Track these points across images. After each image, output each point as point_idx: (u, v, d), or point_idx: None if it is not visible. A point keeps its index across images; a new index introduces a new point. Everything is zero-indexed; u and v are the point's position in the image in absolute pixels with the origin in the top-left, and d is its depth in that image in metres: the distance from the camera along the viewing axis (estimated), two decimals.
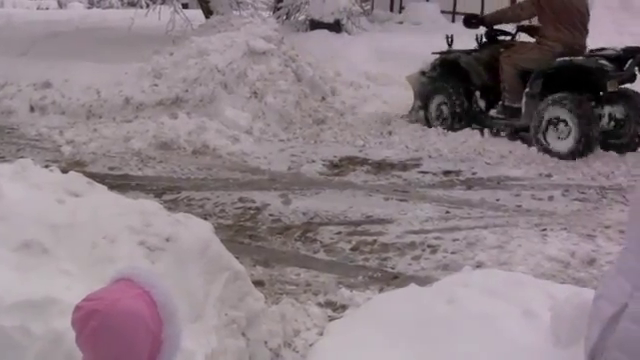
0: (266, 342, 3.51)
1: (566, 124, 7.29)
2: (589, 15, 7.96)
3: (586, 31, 7.90)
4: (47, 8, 28.94)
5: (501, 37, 8.73)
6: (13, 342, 2.55)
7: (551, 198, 6.36)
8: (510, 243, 5.20)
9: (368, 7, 16.55)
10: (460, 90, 8.46)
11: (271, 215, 5.97)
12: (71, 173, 3.68)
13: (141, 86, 8.93)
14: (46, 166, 4.29)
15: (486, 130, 8.22)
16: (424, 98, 8.82)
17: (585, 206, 6.17)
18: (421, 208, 6.11)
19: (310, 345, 3.68)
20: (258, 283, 4.34)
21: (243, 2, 14.06)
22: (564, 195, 6.44)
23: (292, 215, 5.97)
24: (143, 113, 8.62)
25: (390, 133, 8.55)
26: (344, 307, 4.29)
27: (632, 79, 7.46)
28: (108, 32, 14.69)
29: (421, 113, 8.90)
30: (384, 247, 5.31)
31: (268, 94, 9.09)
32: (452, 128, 8.39)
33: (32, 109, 9.18)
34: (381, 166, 7.42)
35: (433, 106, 8.69)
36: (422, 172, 7.21)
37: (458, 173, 7.15)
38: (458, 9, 15.86)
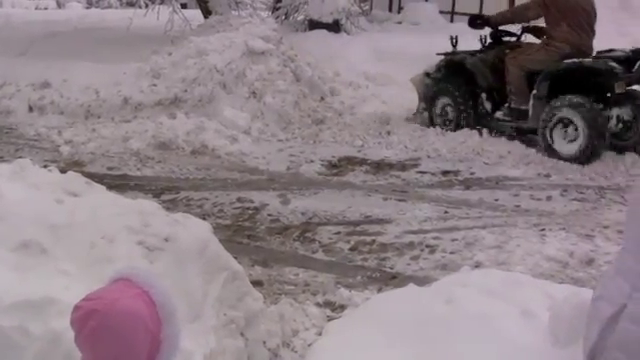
0: (265, 342, 3.51)
1: (575, 127, 7.18)
2: (596, 16, 7.86)
3: (593, 32, 7.80)
4: (46, 8, 28.95)
5: (506, 38, 8.63)
6: (12, 342, 2.55)
7: (550, 198, 6.36)
8: (509, 243, 5.21)
9: (367, 7, 16.56)
10: (465, 92, 8.38)
11: (270, 215, 5.97)
12: (70, 173, 3.68)
13: (140, 86, 8.93)
14: (45, 166, 4.29)
15: (485, 130, 8.18)
16: (429, 100, 8.75)
17: (584, 206, 6.17)
18: (420, 208, 6.12)
19: (309, 345, 3.69)
20: (257, 283, 4.34)
21: (242, 2, 14.08)
22: (563, 195, 6.44)
23: (291, 215, 5.97)
24: (142, 113, 8.62)
25: (389, 133, 8.55)
26: (343, 307, 4.29)
27: None
28: (107, 32, 14.69)
29: (425, 115, 8.83)
30: (383, 247, 5.31)
31: (267, 94, 9.09)
32: (458, 130, 8.34)
33: (31, 109, 9.18)
34: (380, 166, 7.42)
35: (437, 108, 8.61)
36: (421, 172, 7.21)
37: (457, 173, 7.15)
38: (457, 9, 15.86)
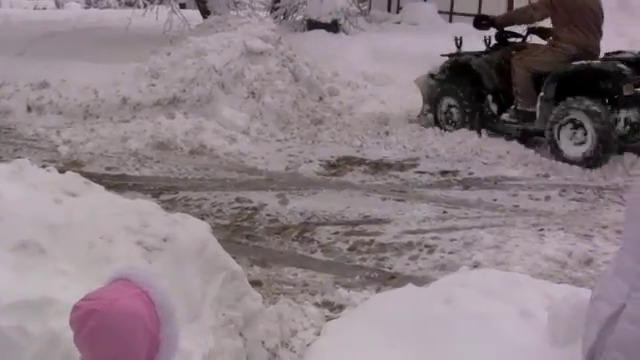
0: (263, 342, 3.51)
1: (585, 132, 7.09)
2: (603, 17, 7.76)
3: (600, 33, 7.71)
4: (44, 8, 28.90)
5: (511, 39, 8.52)
6: (10, 342, 2.55)
7: (548, 198, 6.36)
8: (507, 243, 5.21)
9: (366, 7, 16.55)
10: (471, 93, 8.28)
11: (268, 215, 5.97)
12: (68, 173, 3.68)
13: (138, 86, 8.93)
14: (43, 166, 4.29)
15: (483, 130, 8.15)
16: (433, 101, 8.64)
17: (582, 206, 6.17)
18: (418, 208, 6.12)
19: (307, 345, 3.69)
20: (255, 283, 4.34)
21: (240, 2, 14.08)
22: (561, 195, 6.45)
23: (289, 215, 5.97)
24: (140, 113, 8.62)
25: (387, 133, 8.54)
26: (341, 307, 4.29)
27: None
28: (105, 32, 14.68)
29: (430, 116, 8.74)
30: (381, 247, 5.31)
31: (265, 94, 9.09)
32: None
33: (29, 109, 9.17)
34: (378, 166, 7.42)
35: (442, 108, 8.51)
36: (419, 172, 7.21)
37: (455, 173, 7.15)
38: (455, 9, 15.85)
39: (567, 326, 2.68)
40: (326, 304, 4.36)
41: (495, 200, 6.34)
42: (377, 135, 8.51)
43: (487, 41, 8.52)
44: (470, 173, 7.14)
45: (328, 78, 10.26)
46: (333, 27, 13.67)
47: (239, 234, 5.55)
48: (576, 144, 7.18)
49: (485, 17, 8.81)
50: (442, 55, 8.74)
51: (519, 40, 8.53)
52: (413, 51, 11.05)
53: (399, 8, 16.52)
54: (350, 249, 5.28)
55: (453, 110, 8.43)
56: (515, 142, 7.79)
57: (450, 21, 15.52)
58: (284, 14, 15.06)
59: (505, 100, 8.14)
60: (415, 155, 7.79)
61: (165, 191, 6.57)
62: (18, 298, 2.64)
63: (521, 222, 5.71)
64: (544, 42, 8.14)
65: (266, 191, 6.59)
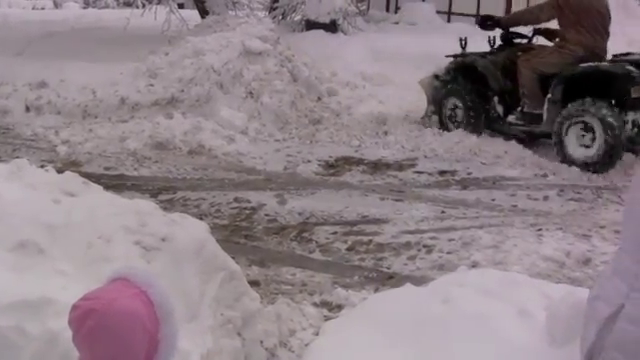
0: (262, 342, 3.51)
1: (593, 136, 7.03)
2: (610, 18, 7.69)
3: (607, 34, 7.64)
4: (43, 8, 28.88)
5: (517, 40, 8.43)
6: (9, 342, 2.55)
7: (546, 198, 6.37)
8: (505, 243, 5.21)
9: (364, 7, 16.57)
10: (477, 95, 8.19)
11: (267, 215, 5.97)
12: (67, 173, 3.68)
13: (137, 86, 8.93)
14: (42, 166, 4.29)
15: (482, 130, 8.14)
16: (437, 102, 8.56)
17: (580, 206, 6.18)
18: (417, 208, 6.12)
19: (306, 345, 3.69)
20: (254, 283, 4.34)
21: (239, 2, 14.08)
22: (559, 195, 6.45)
23: (288, 215, 5.97)
24: (139, 113, 8.61)
25: (386, 133, 8.54)
26: (340, 307, 4.29)
27: None
28: (104, 32, 14.69)
29: (434, 118, 8.64)
30: (380, 247, 5.31)
31: (264, 94, 9.08)
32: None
33: (28, 109, 9.16)
34: (377, 166, 7.42)
35: (447, 110, 8.44)
36: (418, 172, 7.22)
37: (454, 173, 7.15)
38: (454, 9, 15.87)
39: (565, 326, 2.68)
40: (324, 304, 4.36)
41: (493, 200, 6.34)
42: (375, 135, 8.51)
43: (491, 42, 8.44)
44: (468, 173, 7.14)
45: (326, 78, 10.25)
46: (331, 27, 13.68)
47: (237, 234, 5.55)
48: (581, 145, 7.12)
49: (490, 17, 8.71)
50: (447, 56, 8.65)
51: (525, 41, 8.44)
52: (411, 51, 11.07)
53: (397, 8, 16.54)
54: (348, 249, 5.28)
55: (458, 112, 8.35)
56: (513, 142, 7.78)
57: (448, 21, 15.55)
58: (282, 14, 15.07)
59: (511, 101, 8.04)
60: (413, 155, 7.80)
61: (163, 191, 6.57)
62: (17, 298, 2.64)
63: (519, 222, 5.72)
64: (550, 43, 8.06)
65: (264, 191, 6.58)
